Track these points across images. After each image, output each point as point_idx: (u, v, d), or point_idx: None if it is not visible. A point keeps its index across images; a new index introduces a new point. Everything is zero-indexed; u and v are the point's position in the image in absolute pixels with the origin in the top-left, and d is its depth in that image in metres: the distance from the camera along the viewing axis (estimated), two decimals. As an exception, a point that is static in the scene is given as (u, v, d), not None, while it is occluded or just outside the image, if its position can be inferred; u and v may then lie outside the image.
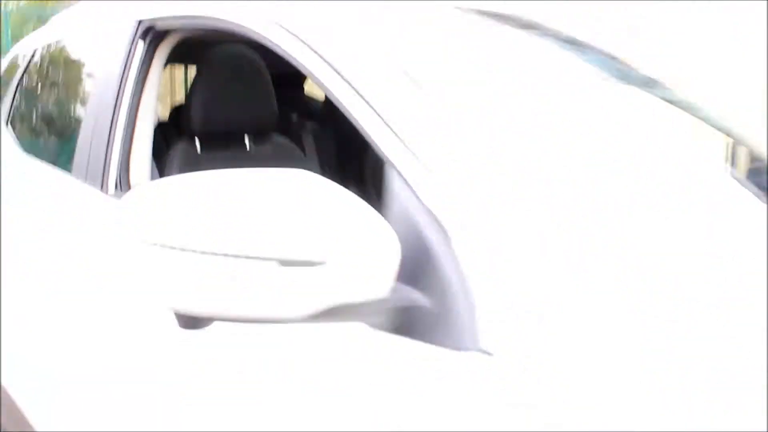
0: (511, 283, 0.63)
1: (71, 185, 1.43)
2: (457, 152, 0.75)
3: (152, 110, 1.39)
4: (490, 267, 0.65)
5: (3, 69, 2.29)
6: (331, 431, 0.71)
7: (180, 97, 5.07)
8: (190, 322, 0.67)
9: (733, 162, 1.18)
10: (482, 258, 0.65)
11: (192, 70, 2.52)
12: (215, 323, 0.68)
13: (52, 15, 2.35)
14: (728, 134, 1.15)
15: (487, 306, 0.62)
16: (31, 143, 1.91)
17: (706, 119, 1.11)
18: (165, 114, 2.45)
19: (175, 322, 0.69)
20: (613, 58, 1.15)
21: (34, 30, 2.83)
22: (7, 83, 2.15)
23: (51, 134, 1.89)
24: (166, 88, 5.40)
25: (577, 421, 0.55)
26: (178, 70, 5.59)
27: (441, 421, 0.63)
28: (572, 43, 1.14)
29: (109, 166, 1.32)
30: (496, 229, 0.67)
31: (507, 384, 0.60)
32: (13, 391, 1.60)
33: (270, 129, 1.72)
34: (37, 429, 1.45)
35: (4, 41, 7.82)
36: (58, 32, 1.96)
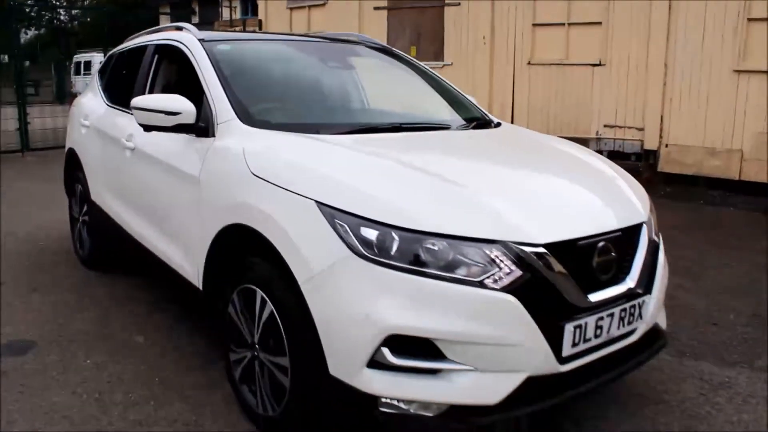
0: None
1: (127, 115, 3.46)
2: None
3: (160, 80, 3.41)
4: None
5: (102, 61, 4.39)
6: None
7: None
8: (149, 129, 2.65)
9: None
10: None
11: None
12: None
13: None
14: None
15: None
16: (112, 98, 3.96)
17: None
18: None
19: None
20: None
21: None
22: (104, 71, 4.26)
23: (120, 94, 3.94)
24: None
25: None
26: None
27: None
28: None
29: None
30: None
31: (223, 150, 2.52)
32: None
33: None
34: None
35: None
36: (128, 44, 4.03)
